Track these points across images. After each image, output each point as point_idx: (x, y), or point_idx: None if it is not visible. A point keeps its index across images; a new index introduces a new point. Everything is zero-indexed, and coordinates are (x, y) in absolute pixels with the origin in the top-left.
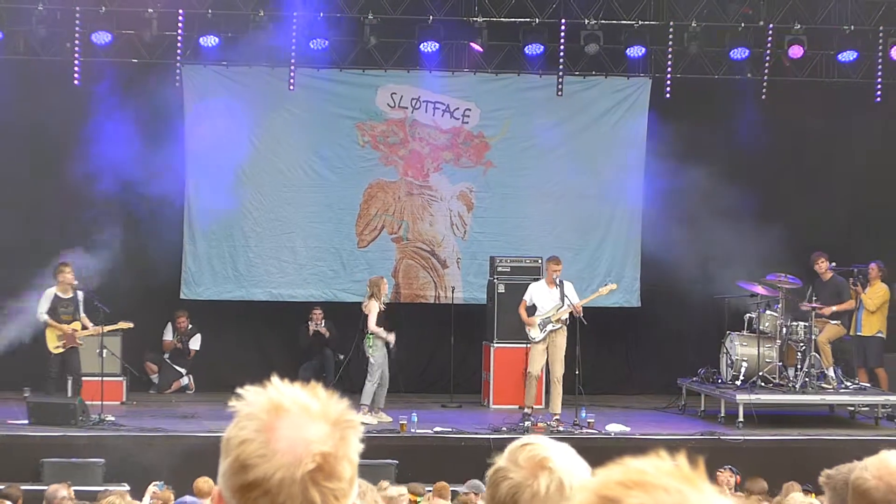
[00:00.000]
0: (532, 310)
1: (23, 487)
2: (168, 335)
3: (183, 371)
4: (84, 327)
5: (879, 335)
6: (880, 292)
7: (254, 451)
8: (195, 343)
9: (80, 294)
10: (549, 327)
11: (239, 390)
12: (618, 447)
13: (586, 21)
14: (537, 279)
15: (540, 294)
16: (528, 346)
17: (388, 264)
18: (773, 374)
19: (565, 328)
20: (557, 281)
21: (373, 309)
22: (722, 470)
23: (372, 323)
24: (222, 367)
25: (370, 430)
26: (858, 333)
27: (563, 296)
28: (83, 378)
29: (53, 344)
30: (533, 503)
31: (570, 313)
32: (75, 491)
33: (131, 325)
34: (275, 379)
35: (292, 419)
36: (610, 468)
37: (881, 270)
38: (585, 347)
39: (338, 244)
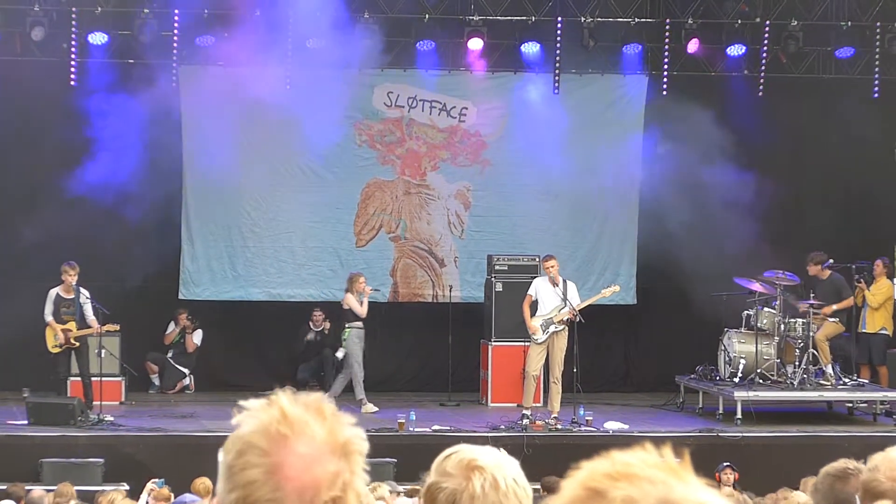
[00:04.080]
0: (535, 305)
1: (26, 488)
2: (170, 330)
3: (186, 371)
4: (80, 328)
5: (883, 332)
6: (884, 289)
7: (262, 496)
8: (197, 337)
9: (85, 294)
10: (552, 328)
11: (241, 403)
12: (616, 445)
13: (583, 19)
14: (535, 276)
15: (543, 290)
16: (527, 344)
17: (386, 263)
18: (772, 372)
19: (567, 329)
20: (561, 279)
21: (350, 301)
22: (724, 471)
23: (359, 310)
24: (221, 366)
25: (368, 429)
26: (863, 330)
27: (565, 296)
28: (79, 378)
29: (52, 343)
30: None
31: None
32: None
33: (117, 327)
34: (278, 394)
35: (300, 455)
36: (596, 461)
37: (886, 267)
38: (583, 345)
39: (336, 243)
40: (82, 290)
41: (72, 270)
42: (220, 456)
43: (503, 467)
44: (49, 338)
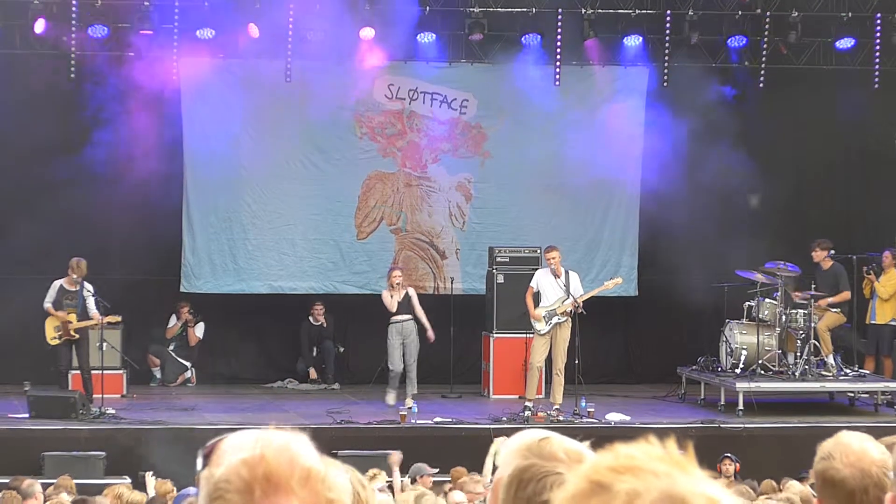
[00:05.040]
0: (537, 297)
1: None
2: (172, 323)
3: (188, 364)
4: (80, 321)
5: (893, 323)
6: (893, 280)
7: None
8: (199, 331)
9: (88, 288)
10: (555, 320)
11: (228, 437)
12: (618, 436)
13: (583, 10)
14: (536, 268)
15: (545, 282)
16: (530, 336)
17: (387, 256)
18: (773, 362)
19: (570, 320)
20: (563, 270)
21: (384, 297)
22: (724, 462)
23: (388, 305)
24: (223, 359)
25: (370, 422)
26: (872, 322)
27: (568, 287)
28: (80, 371)
29: (51, 335)
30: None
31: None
32: (77, 484)
33: (119, 318)
34: (264, 440)
35: None
36: (600, 454)
37: (895, 258)
38: (585, 337)
39: (337, 236)
40: (86, 283)
41: (79, 264)
42: (199, 462)
43: None
44: (48, 329)
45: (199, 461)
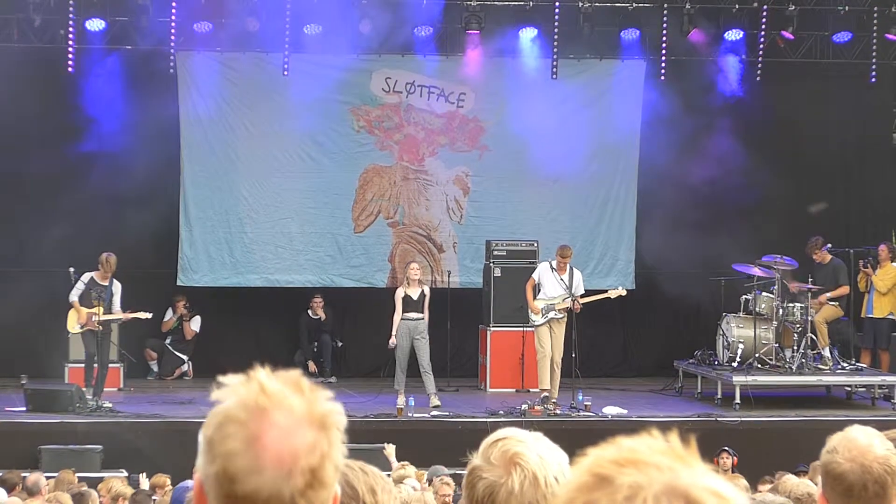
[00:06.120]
0: (537, 289)
1: (23, 475)
2: (168, 317)
3: (185, 357)
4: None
5: (891, 317)
6: (891, 273)
7: (242, 466)
8: (195, 324)
9: (118, 285)
10: (551, 315)
11: (220, 379)
12: (615, 430)
13: (580, 4)
14: (533, 262)
15: (547, 275)
16: (528, 329)
17: (384, 249)
18: (770, 356)
19: (566, 316)
20: (568, 267)
21: (396, 294)
22: (721, 455)
23: (397, 304)
24: (220, 353)
25: (367, 415)
26: (869, 315)
27: (571, 285)
28: (77, 365)
29: (72, 324)
30: (510, 501)
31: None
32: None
33: (149, 315)
34: (256, 370)
35: (279, 426)
36: (602, 447)
37: (892, 251)
38: (582, 331)
39: (334, 229)
40: (115, 281)
41: (111, 259)
42: (201, 435)
43: (546, 464)
44: (71, 320)
45: (201, 434)
